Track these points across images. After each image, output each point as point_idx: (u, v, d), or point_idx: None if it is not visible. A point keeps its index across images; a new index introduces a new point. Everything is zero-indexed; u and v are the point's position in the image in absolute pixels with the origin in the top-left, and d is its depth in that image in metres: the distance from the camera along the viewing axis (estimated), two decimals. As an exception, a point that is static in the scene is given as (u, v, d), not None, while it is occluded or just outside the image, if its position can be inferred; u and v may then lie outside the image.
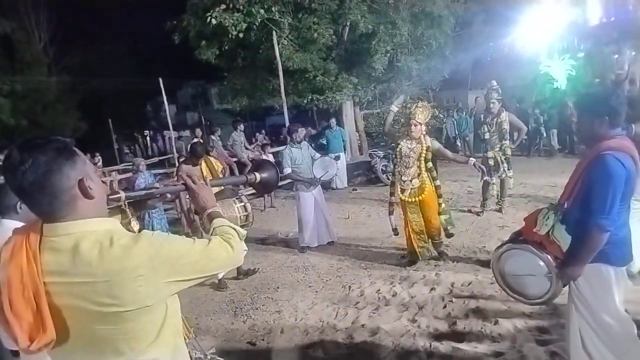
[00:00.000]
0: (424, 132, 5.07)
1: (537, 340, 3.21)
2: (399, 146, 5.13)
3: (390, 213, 5.44)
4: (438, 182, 5.09)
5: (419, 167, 4.99)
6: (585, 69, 17.44)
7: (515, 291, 2.63)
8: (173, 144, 13.57)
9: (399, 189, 5.13)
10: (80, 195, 1.23)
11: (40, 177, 1.17)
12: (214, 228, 1.52)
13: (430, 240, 5.15)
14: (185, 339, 1.55)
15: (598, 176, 2.21)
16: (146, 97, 27.66)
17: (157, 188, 1.73)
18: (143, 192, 1.71)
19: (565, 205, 2.39)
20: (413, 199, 5.01)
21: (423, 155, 4.95)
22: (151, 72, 20.07)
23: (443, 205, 5.07)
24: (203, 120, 29.14)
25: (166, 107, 13.33)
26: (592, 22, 16.07)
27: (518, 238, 2.60)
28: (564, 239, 2.32)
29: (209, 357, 1.77)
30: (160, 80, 12.63)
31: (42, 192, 1.19)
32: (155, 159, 16.01)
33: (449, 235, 5.16)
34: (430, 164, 5.02)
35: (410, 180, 5.02)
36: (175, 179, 1.61)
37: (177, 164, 11.62)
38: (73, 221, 1.22)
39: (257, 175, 2.03)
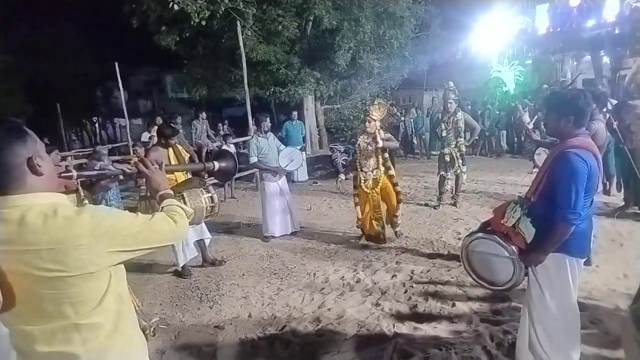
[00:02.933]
0: (379, 128, 5.42)
1: (490, 321, 3.48)
2: (358, 141, 5.55)
3: (357, 204, 5.68)
4: (392, 172, 5.52)
5: (377, 159, 5.41)
6: (532, 75, 18.47)
7: (481, 278, 2.79)
8: (128, 131, 13.16)
9: (362, 180, 5.48)
10: (29, 172, 1.34)
11: (2, 156, 1.29)
12: (161, 207, 1.62)
13: (388, 225, 5.67)
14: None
15: (562, 172, 2.36)
16: (96, 81, 26.52)
17: (110, 170, 1.82)
18: (95, 172, 1.77)
19: (532, 199, 2.55)
20: (374, 189, 5.43)
21: (381, 144, 5.34)
22: (103, 55, 19.32)
23: (400, 195, 5.63)
24: (157, 108, 28.35)
25: (121, 94, 12.92)
26: (540, 31, 16.98)
27: (486, 228, 2.75)
28: (528, 231, 2.47)
29: (153, 327, 1.83)
30: (116, 64, 12.25)
31: (5, 171, 1.30)
32: (109, 146, 15.46)
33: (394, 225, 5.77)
34: (386, 156, 5.48)
35: (371, 171, 5.43)
36: (73, 176, 1.65)
37: (131, 152, 11.37)
38: (21, 195, 1.32)
39: (216, 164, 2.08)
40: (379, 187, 5.43)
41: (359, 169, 5.52)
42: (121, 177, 1.81)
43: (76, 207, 1.41)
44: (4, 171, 1.30)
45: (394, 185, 5.54)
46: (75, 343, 1.36)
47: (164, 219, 1.53)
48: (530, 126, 9.52)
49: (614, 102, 6.12)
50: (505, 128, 13.07)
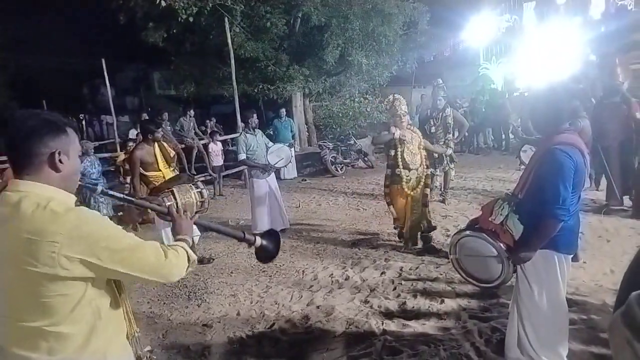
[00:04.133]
0: (410, 122, 5.15)
1: (479, 317, 3.49)
2: (398, 136, 4.86)
3: (390, 204, 5.17)
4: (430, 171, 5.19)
5: (421, 156, 5.01)
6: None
7: (470, 275, 2.80)
8: (115, 128, 13.01)
9: (405, 180, 4.91)
10: (48, 164, 1.38)
11: (23, 135, 1.36)
12: (169, 244, 1.59)
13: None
14: (128, 335, 1.59)
15: (548, 169, 2.38)
16: (83, 78, 26.16)
17: (138, 201, 1.83)
18: (121, 195, 1.76)
19: (519, 196, 2.56)
20: (416, 189, 4.96)
21: (422, 143, 5.05)
22: (90, 52, 19.04)
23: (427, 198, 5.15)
24: (144, 105, 28.03)
25: (108, 90, 12.75)
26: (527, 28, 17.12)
27: (474, 226, 2.76)
28: (516, 228, 2.48)
29: (147, 357, 1.78)
30: (103, 61, 12.09)
31: (20, 147, 1.37)
32: (96, 143, 15.28)
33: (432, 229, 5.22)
34: (425, 153, 5.09)
35: (417, 169, 4.95)
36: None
37: (118, 149, 11.23)
38: (28, 182, 1.36)
39: (258, 239, 2.03)
40: (420, 187, 4.97)
41: (401, 167, 4.89)
42: (149, 211, 1.83)
43: (71, 206, 1.39)
44: (26, 155, 1.36)
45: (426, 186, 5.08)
46: (41, 351, 1.34)
47: (155, 249, 1.46)
48: (517, 123, 9.60)
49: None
50: (492, 125, 13.15)
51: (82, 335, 1.37)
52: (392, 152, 4.94)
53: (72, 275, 1.31)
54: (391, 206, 5.16)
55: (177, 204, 4.42)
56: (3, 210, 1.33)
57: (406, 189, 4.90)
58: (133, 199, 1.81)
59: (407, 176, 4.90)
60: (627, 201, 5.91)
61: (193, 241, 5.28)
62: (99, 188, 1.67)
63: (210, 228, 2.01)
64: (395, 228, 5.39)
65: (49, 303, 1.31)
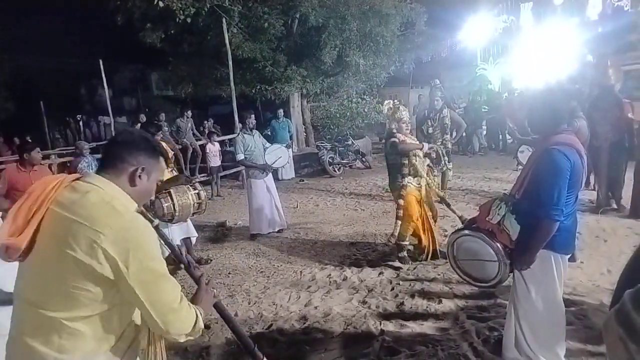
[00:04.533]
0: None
1: (477, 318, 3.50)
2: (425, 150, 4.81)
3: (400, 218, 4.72)
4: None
5: (425, 164, 4.86)
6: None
7: (468, 274, 2.82)
8: (112, 129, 13.00)
9: (416, 187, 4.73)
10: (128, 174, 1.50)
11: (123, 141, 1.54)
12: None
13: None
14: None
15: (545, 169, 2.38)
16: (80, 79, 26.11)
17: (177, 252, 1.89)
18: (167, 242, 1.79)
19: (517, 196, 2.56)
20: (423, 195, 4.80)
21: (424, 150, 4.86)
22: (87, 53, 19.01)
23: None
24: (142, 106, 27.99)
25: (106, 91, 12.77)
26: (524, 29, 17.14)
27: (472, 225, 2.77)
28: (513, 228, 2.49)
29: None
30: (101, 62, 12.09)
31: (115, 149, 1.53)
32: (93, 144, 15.27)
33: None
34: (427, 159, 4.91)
35: (427, 176, 4.81)
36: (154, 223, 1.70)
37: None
38: (103, 178, 1.47)
39: None
40: (429, 195, 4.84)
41: (413, 174, 4.70)
42: (182, 265, 1.84)
43: (132, 210, 1.46)
44: (115, 157, 1.50)
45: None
46: (51, 346, 1.34)
47: (176, 288, 1.45)
48: (513, 124, 9.61)
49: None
50: (489, 125, 13.18)
51: (95, 340, 1.38)
52: (406, 160, 4.64)
53: (103, 274, 1.33)
54: (405, 222, 4.70)
55: (174, 205, 4.44)
56: (69, 196, 1.41)
57: (420, 196, 4.73)
58: (175, 247, 1.87)
59: (419, 183, 4.74)
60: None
61: (190, 241, 5.26)
62: (155, 223, 1.60)
63: (225, 318, 1.97)
64: (395, 244, 4.83)
65: (76, 295, 1.33)
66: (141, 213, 1.53)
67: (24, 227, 1.36)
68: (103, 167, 1.51)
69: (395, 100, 5.01)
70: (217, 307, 1.84)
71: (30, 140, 14.53)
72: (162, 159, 1.60)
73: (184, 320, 1.46)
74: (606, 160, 5.75)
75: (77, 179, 1.47)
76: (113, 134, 12.70)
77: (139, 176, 1.51)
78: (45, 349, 1.34)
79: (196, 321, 1.49)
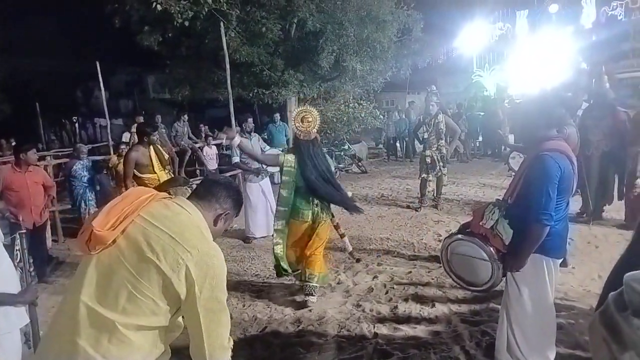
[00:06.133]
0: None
1: (469, 322, 3.54)
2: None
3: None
4: None
5: None
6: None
7: (460, 278, 2.84)
8: (108, 131, 12.96)
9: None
10: (214, 214, 1.64)
11: (224, 187, 1.70)
12: None
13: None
14: None
15: (535, 174, 2.42)
16: (77, 80, 26.06)
17: None
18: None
19: (509, 201, 2.60)
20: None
21: None
22: (84, 54, 18.97)
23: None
24: (138, 108, 27.96)
25: (102, 93, 12.72)
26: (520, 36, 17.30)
27: (465, 230, 2.79)
28: (506, 233, 2.52)
29: None
30: (98, 64, 12.07)
31: (215, 190, 1.68)
32: (89, 146, 15.24)
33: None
34: None
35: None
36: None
37: (112, 152, 11.19)
38: (194, 206, 1.59)
39: None
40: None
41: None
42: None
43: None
44: (213, 196, 1.65)
45: None
46: (99, 348, 1.36)
47: (229, 327, 1.55)
48: (506, 131, 9.69)
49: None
50: (484, 132, 13.28)
51: (140, 353, 1.42)
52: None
53: (177, 291, 1.41)
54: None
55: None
56: (161, 209, 1.53)
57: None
58: None
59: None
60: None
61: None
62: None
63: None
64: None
65: (140, 302, 1.39)
66: None
67: (115, 224, 1.45)
68: (197, 197, 1.64)
69: (307, 106, 4.56)
70: None
71: (21, 141, 14.56)
72: (236, 207, 1.73)
73: (228, 351, 1.56)
74: (597, 170, 5.65)
75: (170, 197, 1.62)
76: (109, 136, 12.71)
77: (222, 219, 1.66)
78: (92, 351, 1.36)
79: (229, 345, 1.59)
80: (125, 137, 11.19)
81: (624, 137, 5.61)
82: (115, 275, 1.40)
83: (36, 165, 5.43)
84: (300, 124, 4.15)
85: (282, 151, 6.82)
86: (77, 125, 31.02)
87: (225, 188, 1.69)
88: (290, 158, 4.10)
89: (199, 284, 1.42)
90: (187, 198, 1.64)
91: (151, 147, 4.99)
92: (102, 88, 12.18)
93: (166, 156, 5.60)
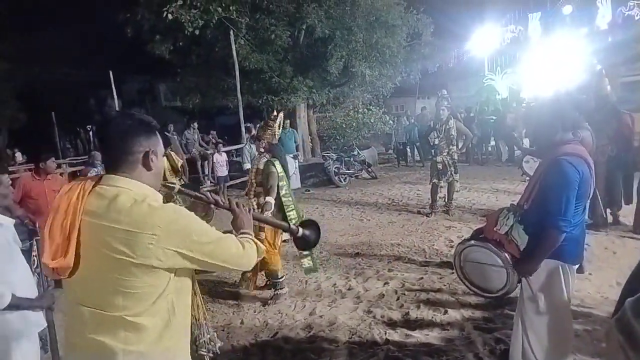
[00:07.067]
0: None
1: (483, 328, 3.47)
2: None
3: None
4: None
5: None
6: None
7: (474, 284, 2.79)
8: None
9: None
10: (141, 162, 1.48)
11: (121, 133, 1.46)
12: (237, 237, 1.68)
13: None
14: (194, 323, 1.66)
15: (553, 179, 2.36)
16: (90, 90, 26.45)
17: (207, 196, 1.91)
18: (193, 193, 1.90)
19: (525, 206, 2.53)
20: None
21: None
22: (97, 64, 19.27)
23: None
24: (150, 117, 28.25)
25: (115, 102, 12.95)
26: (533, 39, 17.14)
27: (479, 235, 2.74)
28: (521, 238, 2.46)
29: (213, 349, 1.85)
30: (111, 73, 12.27)
31: (117, 145, 1.46)
32: (101, 155, 15.47)
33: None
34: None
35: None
36: (175, 188, 1.89)
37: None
38: (124, 178, 1.45)
39: (301, 229, 2.18)
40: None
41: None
42: (212, 206, 1.91)
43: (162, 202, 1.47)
44: (122, 153, 1.45)
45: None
46: (118, 338, 1.37)
47: (234, 241, 1.57)
48: (518, 135, 9.58)
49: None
50: (497, 136, 13.16)
51: (157, 330, 1.41)
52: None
53: (164, 266, 1.39)
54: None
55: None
56: (98, 203, 1.40)
57: None
58: (203, 195, 1.92)
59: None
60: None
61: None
62: (176, 188, 1.82)
63: (261, 220, 2.32)
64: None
65: (134, 294, 1.37)
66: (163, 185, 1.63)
67: (65, 245, 1.36)
68: (114, 166, 1.47)
69: (275, 114, 4.48)
70: (256, 217, 1.96)
71: (19, 153, 14.78)
72: (157, 133, 1.55)
73: (252, 255, 1.63)
74: (603, 176, 5.42)
75: (97, 183, 1.46)
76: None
77: (152, 160, 1.49)
78: (113, 342, 1.36)
79: (257, 246, 1.68)
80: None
81: (629, 140, 5.47)
82: (101, 283, 1.38)
83: (55, 173, 5.52)
84: (273, 129, 4.33)
85: (292, 157, 6.82)
86: (91, 133, 31.44)
87: (125, 134, 1.46)
88: (277, 164, 4.25)
89: (186, 248, 1.40)
90: (107, 171, 1.48)
91: (164, 156, 5.02)
92: (115, 96, 12.40)
93: (180, 162, 5.66)
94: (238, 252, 1.56)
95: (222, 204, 1.88)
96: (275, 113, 4.51)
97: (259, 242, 1.71)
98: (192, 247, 1.41)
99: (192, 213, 1.51)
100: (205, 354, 2.45)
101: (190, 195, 1.87)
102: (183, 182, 5.44)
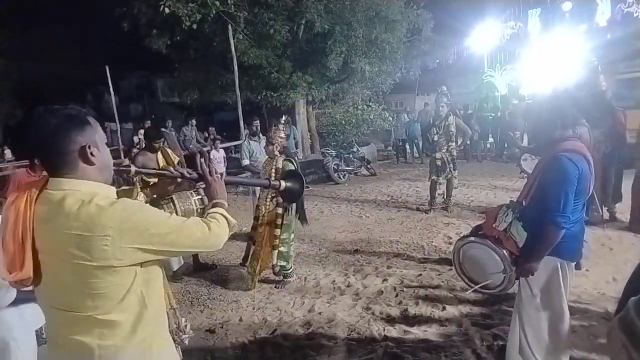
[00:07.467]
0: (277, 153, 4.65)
1: (480, 324, 3.49)
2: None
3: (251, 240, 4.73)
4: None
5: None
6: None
7: (472, 280, 2.79)
8: (118, 135, 13.08)
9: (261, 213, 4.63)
10: (81, 160, 1.39)
11: (49, 135, 1.35)
12: (207, 212, 1.65)
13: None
14: (167, 312, 1.64)
15: (552, 176, 2.36)
16: (87, 85, 26.39)
17: (170, 171, 1.85)
18: (153, 171, 1.80)
19: (523, 203, 2.54)
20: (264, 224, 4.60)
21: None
22: (93, 59, 19.18)
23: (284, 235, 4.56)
24: (148, 112, 28.21)
25: (112, 97, 12.84)
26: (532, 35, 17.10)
27: (478, 232, 2.74)
28: (520, 235, 2.47)
29: (186, 334, 1.84)
30: (107, 68, 12.18)
31: (49, 148, 1.37)
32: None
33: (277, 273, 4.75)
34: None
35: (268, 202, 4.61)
36: (131, 171, 1.78)
37: (122, 156, 11.28)
38: (69, 179, 1.38)
39: (282, 183, 2.11)
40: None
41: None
42: (179, 180, 1.86)
43: (112, 198, 1.41)
44: (57, 154, 1.37)
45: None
46: (93, 335, 1.37)
47: (198, 224, 1.51)
48: (517, 134, 9.55)
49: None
50: (495, 133, 13.16)
51: (129, 323, 1.40)
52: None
53: (125, 264, 1.35)
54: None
55: (176, 211, 4.44)
56: (46, 209, 1.35)
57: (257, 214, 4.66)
58: (165, 171, 1.85)
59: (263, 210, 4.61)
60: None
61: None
62: (133, 169, 1.73)
63: (238, 183, 2.22)
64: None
65: (101, 294, 1.35)
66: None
67: (21, 256, 1.32)
68: (55, 169, 1.39)
69: (285, 118, 4.89)
70: (230, 181, 1.90)
71: (9, 150, 14.67)
72: (92, 120, 1.44)
73: (221, 234, 1.57)
74: (599, 173, 5.40)
75: (44, 187, 1.39)
76: (119, 140, 12.82)
77: (91, 153, 1.39)
78: (88, 338, 1.36)
79: (228, 221, 1.62)
80: (136, 141, 11.28)
81: (622, 137, 5.52)
82: (67, 287, 1.36)
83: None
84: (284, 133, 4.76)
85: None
86: (88, 128, 31.34)
87: (52, 134, 1.36)
88: (294, 162, 4.67)
89: (145, 243, 1.36)
90: (49, 175, 1.39)
91: (159, 151, 5.01)
92: (112, 92, 12.29)
93: (176, 160, 5.63)
94: (203, 235, 1.50)
95: (189, 175, 1.83)
96: (284, 118, 4.90)
97: (229, 217, 1.63)
98: (151, 241, 1.37)
99: (146, 205, 1.48)
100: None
101: (150, 174, 1.81)
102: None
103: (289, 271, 4.72)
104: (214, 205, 1.70)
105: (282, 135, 4.67)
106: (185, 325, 1.83)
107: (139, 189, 1.74)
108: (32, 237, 1.34)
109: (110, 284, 1.35)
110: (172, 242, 1.42)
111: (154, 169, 1.87)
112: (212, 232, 1.53)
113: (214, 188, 1.75)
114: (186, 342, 1.80)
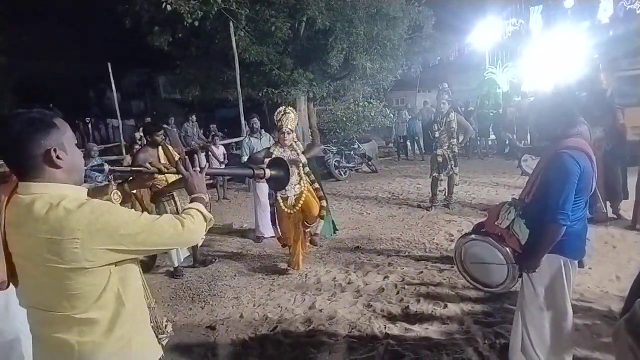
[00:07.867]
0: (295, 139, 4.79)
1: (482, 322, 3.47)
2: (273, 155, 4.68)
3: (274, 223, 5.00)
4: (317, 185, 4.81)
5: (298, 173, 4.67)
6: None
7: (475, 279, 2.78)
8: (120, 132, 13.10)
9: (280, 199, 4.71)
10: (47, 164, 1.37)
11: (13, 140, 1.34)
12: (184, 208, 1.62)
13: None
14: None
15: (554, 173, 2.35)
16: (88, 82, 26.36)
17: (146, 168, 1.81)
18: (128, 169, 1.77)
19: (526, 200, 2.53)
20: (295, 209, 4.69)
21: (300, 161, 4.66)
22: (95, 56, 19.15)
23: (324, 211, 4.75)
24: (149, 109, 28.21)
25: (114, 94, 12.86)
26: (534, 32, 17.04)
27: (480, 230, 2.73)
28: (522, 233, 2.46)
29: (165, 334, 1.81)
30: (109, 65, 12.18)
31: (14, 154, 1.37)
32: (102, 147, 15.40)
33: (314, 243, 5.06)
34: (307, 169, 4.74)
35: (293, 188, 4.66)
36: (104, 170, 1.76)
37: (124, 152, 11.29)
38: (37, 183, 1.37)
39: (267, 171, 2.07)
40: (300, 204, 4.67)
41: None
42: (157, 175, 1.81)
43: (81, 199, 1.40)
44: (23, 159, 1.36)
45: (320, 198, 4.77)
46: (72, 333, 1.39)
47: (170, 221, 1.49)
48: (513, 136, 9.52)
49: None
50: (495, 129, 13.14)
51: (107, 321, 1.41)
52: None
53: (97, 265, 1.36)
54: (275, 225, 4.97)
55: (177, 208, 4.43)
56: (16, 213, 1.36)
57: (284, 208, 4.69)
58: (141, 168, 1.81)
59: (284, 194, 4.67)
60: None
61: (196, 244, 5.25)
62: (106, 168, 1.71)
63: (220, 174, 2.13)
64: (283, 246, 5.16)
65: (77, 295, 1.36)
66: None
67: None
68: (23, 174, 1.38)
69: (288, 108, 4.86)
70: (212, 173, 1.89)
71: None
72: (59, 122, 1.41)
73: (195, 230, 1.54)
74: (601, 170, 5.52)
75: (14, 192, 1.40)
76: (121, 136, 12.82)
77: (57, 157, 1.37)
78: (68, 335, 1.38)
79: (203, 215, 1.59)
80: (137, 137, 11.30)
81: (622, 135, 5.52)
82: (43, 288, 1.38)
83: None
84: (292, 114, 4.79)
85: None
86: (89, 126, 31.39)
87: (16, 139, 1.34)
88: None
89: (113, 244, 1.35)
90: (18, 179, 1.40)
91: (160, 147, 4.99)
92: (114, 89, 12.31)
93: (177, 157, 5.61)
94: (176, 232, 1.48)
95: (166, 170, 1.80)
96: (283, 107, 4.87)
97: (204, 211, 1.60)
98: (122, 241, 1.37)
99: (116, 206, 1.47)
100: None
101: (126, 172, 1.79)
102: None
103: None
104: (192, 200, 1.67)
105: (293, 116, 4.69)
106: (166, 325, 1.79)
107: (114, 187, 1.71)
108: (5, 241, 1.37)
109: (84, 285, 1.36)
110: (143, 241, 1.41)
111: (126, 167, 1.84)
112: (186, 229, 1.50)
113: (192, 182, 1.72)
114: (164, 342, 1.77)
